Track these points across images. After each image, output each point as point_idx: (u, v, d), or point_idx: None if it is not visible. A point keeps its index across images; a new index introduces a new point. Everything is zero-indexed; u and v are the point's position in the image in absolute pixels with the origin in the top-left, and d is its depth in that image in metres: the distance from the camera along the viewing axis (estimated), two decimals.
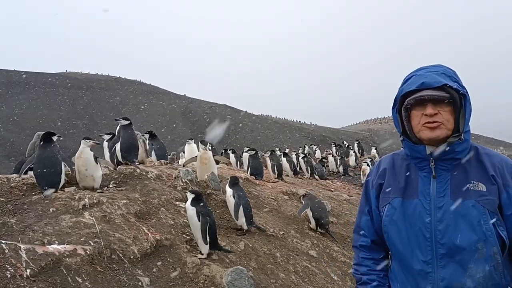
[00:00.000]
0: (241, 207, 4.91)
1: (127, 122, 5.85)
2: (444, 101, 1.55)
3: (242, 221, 4.96)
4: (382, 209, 1.72)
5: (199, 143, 6.36)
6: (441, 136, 1.57)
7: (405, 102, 1.62)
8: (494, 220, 1.52)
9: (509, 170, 1.58)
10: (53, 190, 4.29)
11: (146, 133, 7.79)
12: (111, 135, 6.46)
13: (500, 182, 1.55)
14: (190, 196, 4.09)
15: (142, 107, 65.42)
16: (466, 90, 1.59)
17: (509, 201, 1.53)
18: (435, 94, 1.54)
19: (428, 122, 1.56)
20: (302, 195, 6.69)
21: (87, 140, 4.78)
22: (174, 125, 59.71)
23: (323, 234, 6.06)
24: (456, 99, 1.57)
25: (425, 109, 1.56)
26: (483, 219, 1.51)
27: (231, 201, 4.95)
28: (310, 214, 6.02)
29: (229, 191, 5.02)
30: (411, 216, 1.62)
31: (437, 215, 1.56)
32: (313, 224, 6.06)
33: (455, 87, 1.55)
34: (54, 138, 4.63)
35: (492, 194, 1.54)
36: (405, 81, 1.66)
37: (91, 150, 4.75)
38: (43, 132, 4.73)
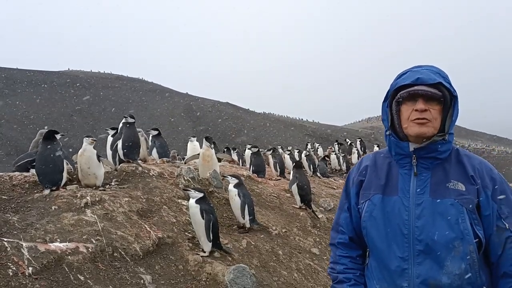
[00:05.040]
0: (246, 206, 4.91)
1: (132, 120, 5.86)
2: (436, 99, 1.58)
3: (246, 219, 4.96)
4: (361, 205, 1.73)
5: (204, 139, 6.34)
6: (427, 134, 1.59)
7: (398, 95, 1.65)
8: (471, 219, 1.54)
9: (488, 172, 1.60)
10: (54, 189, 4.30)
11: (152, 129, 7.79)
12: (115, 131, 6.47)
13: (479, 183, 1.57)
14: (194, 194, 4.07)
15: (145, 105, 65.50)
16: (457, 92, 1.62)
17: (487, 202, 1.55)
18: (429, 91, 1.57)
19: (418, 118, 1.58)
20: (293, 165, 6.95)
21: (87, 138, 4.83)
22: (176, 123, 59.77)
23: (325, 232, 6.05)
24: (447, 99, 1.60)
25: (416, 104, 1.59)
26: (461, 218, 1.52)
27: (236, 200, 4.93)
28: (296, 190, 6.42)
29: (233, 190, 5.00)
30: (390, 213, 1.63)
31: (416, 212, 1.58)
32: (298, 200, 6.43)
33: (448, 87, 1.59)
34: (58, 136, 4.64)
35: (471, 194, 1.56)
36: (400, 76, 1.68)
37: (94, 148, 4.76)
38: (46, 130, 4.74)
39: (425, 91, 1.57)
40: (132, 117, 5.92)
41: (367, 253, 1.80)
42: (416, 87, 1.58)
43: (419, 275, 1.55)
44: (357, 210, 1.77)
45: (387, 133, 1.72)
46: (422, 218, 1.56)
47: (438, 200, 1.57)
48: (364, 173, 1.77)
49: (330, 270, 1.85)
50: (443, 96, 1.58)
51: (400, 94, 1.63)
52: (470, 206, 1.54)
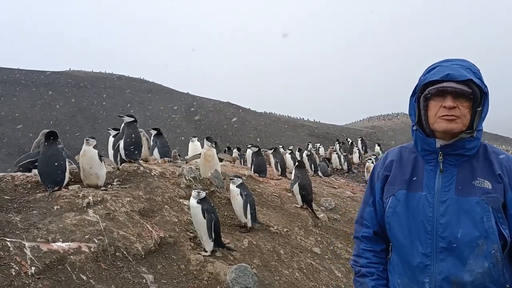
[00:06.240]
0: (248, 206, 4.92)
1: (131, 119, 5.86)
2: (465, 96, 1.54)
3: (248, 218, 4.96)
4: (386, 200, 1.72)
5: (205, 139, 6.35)
6: (455, 130, 1.56)
7: (426, 91, 1.61)
8: (497, 218, 1.52)
9: None
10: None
11: (154, 129, 7.81)
12: (117, 131, 6.48)
13: (506, 181, 1.54)
14: (202, 194, 4.06)
15: (145, 104, 65.53)
16: (487, 89, 1.58)
17: None
18: (458, 88, 1.53)
19: (446, 115, 1.55)
20: (295, 165, 6.92)
21: (87, 139, 4.85)
22: (177, 123, 59.79)
23: (327, 231, 6.06)
24: (477, 96, 1.56)
25: (445, 101, 1.55)
26: (486, 216, 1.50)
27: (238, 199, 4.94)
28: (297, 190, 6.43)
29: (235, 190, 5.00)
30: (414, 209, 1.62)
31: (440, 209, 1.56)
32: (299, 200, 6.45)
33: (478, 84, 1.55)
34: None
35: (497, 192, 1.53)
36: (429, 70, 1.64)
37: (94, 147, 4.77)
38: (48, 130, 4.74)
39: (454, 88, 1.53)
40: (131, 116, 5.91)
41: (390, 248, 1.79)
42: (445, 84, 1.54)
43: (441, 271, 1.54)
44: (381, 204, 1.75)
45: (414, 128, 1.69)
46: (446, 216, 1.55)
47: (463, 198, 1.54)
48: (389, 167, 1.75)
49: (353, 263, 1.85)
50: (472, 93, 1.54)
51: (428, 90, 1.59)
52: (496, 204, 1.52)
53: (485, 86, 1.58)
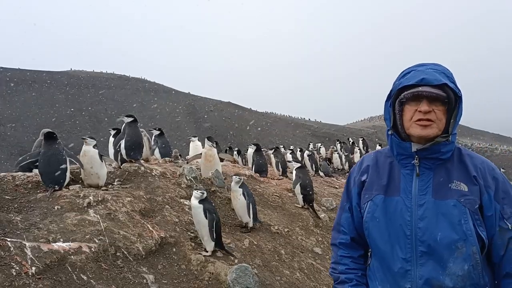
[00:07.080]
0: (250, 205, 4.91)
1: (130, 119, 5.85)
2: (440, 100, 1.55)
3: (250, 218, 4.96)
4: (363, 206, 1.72)
5: (206, 139, 6.35)
6: (431, 135, 1.57)
7: (401, 96, 1.61)
8: (474, 220, 1.52)
9: (491, 172, 1.58)
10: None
11: (155, 129, 7.82)
12: (116, 131, 6.49)
13: (482, 183, 1.56)
14: (200, 195, 4.06)
15: (147, 104, 65.60)
16: (461, 93, 1.60)
17: (489, 202, 1.54)
18: (433, 92, 1.54)
19: (421, 120, 1.56)
20: (296, 167, 6.90)
21: (84, 139, 4.84)
22: (179, 123, 59.82)
23: (328, 231, 6.05)
24: (452, 100, 1.57)
25: (420, 105, 1.56)
26: (463, 219, 1.51)
27: (241, 199, 4.94)
28: (298, 190, 6.44)
29: (238, 190, 5.00)
30: (392, 213, 1.62)
31: (418, 212, 1.56)
32: (300, 200, 6.46)
33: (452, 88, 1.56)
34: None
35: (473, 194, 1.54)
36: (404, 75, 1.65)
37: (94, 147, 4.76)
38: (47, 130, 4.74)
39: (429, 93, 1.54)
40: (131, 116, 5.90)
41: (369, 254, 1.79)
42: (420, 88, 1.55)
43: (422, 276, 1.54)
44: (358, 210, 1.75)
45: (389, 132, 1.69)
46: (425, 219, 1.55)
47: (441, 201, 1.55)
48: (365, 173, 1.76)
49: (332, 270, 1.84)
50: (447, 97, 1.55)
51: (404, 94, 1.60)
52: (473, 206, 1.53)
53: (459, 90, 1.59)
